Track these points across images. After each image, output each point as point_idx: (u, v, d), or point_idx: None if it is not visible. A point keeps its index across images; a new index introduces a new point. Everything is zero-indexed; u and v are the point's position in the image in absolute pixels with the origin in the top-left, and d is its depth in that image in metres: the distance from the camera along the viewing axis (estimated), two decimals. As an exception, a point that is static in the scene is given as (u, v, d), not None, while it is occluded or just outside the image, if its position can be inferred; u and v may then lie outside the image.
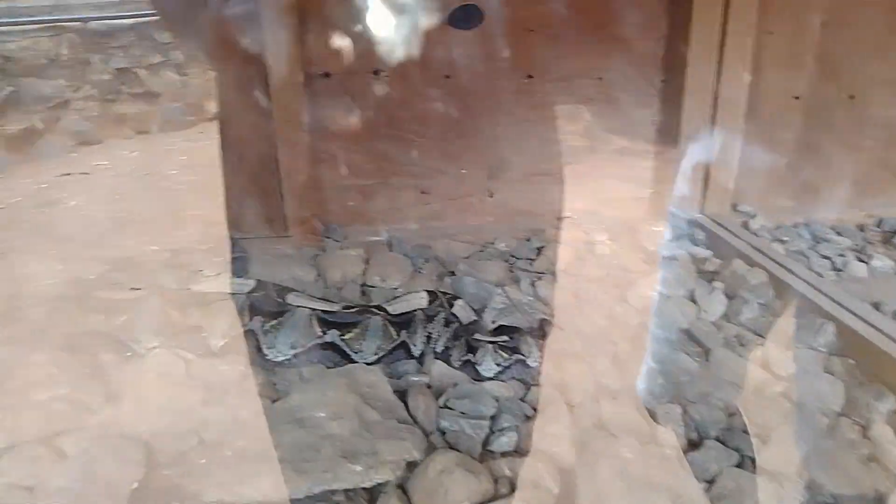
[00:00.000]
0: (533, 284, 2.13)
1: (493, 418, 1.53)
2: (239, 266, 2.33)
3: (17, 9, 4.56)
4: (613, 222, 2.59)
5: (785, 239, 2.63)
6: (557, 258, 2.37)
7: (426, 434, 1.49)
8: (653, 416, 1.55)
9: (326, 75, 2.40)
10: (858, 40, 2.56)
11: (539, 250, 2.44)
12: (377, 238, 2.55)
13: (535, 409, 1.58)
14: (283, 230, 2.53)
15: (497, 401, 1.58)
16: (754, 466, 1.43)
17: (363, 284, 2.23)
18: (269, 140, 2.38)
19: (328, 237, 2.54)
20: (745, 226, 2.65)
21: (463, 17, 2.39)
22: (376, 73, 2.42)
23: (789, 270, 2.12)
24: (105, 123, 4.80)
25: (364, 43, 2.38)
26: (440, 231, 2.58)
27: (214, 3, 2.24)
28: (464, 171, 2.60)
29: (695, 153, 2.56)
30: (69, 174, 4.05)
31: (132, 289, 2.16)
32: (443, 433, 1.50)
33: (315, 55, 2.36)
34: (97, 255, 2.48)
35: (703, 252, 2.39)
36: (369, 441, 1.40)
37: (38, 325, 1.96)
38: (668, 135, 2.59)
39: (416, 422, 1.51)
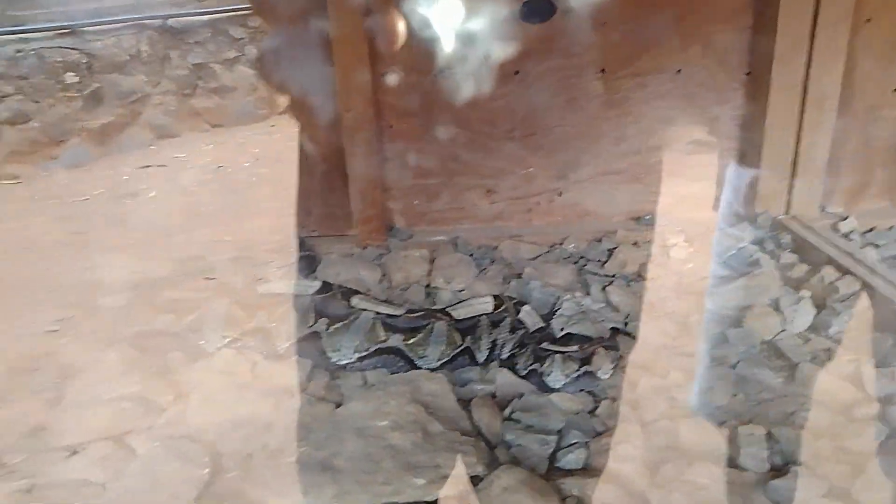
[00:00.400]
0: (604, 290, 2.04)
1: (559, 433, 1.47)
2: (305, 265, 2.34)
3: (102, 9, 4.73)
4: (690, 224, 2.46)
5: (880, 243, 2.44)
6: (629, 262, 2.27)
7: (491, 447, 1.44)
8: (733, 437, 1.45)
9: (394, 73, 2.37)
10: (968, 27, 2.34)
11: (610, 253, 2.34)
12: (442, 238, 2.50)
13: (605, 425, 1.51)
14: (348, 228, 2.53)
15: (565, 415, 1.51)
16: (844, 498, 1.31)
17: (427, 286, 2.19)
18: (338, 138, 2.38)
19: (393, 237, 2.51)
20: (835, 228, 2.47)
21: (534, 11, 2.31)
22: (444, 70, 2.37)
23: (885, 279, 1.95)
24: (182, 117, 4.95)
25: (432, 39, 2.33)
26: (506, 232, 2.51)
27: None
28: (531, 170, 2.52)
29: (779, 151, 2.40)
30: (148, 166, 4.20)
31: (206, 278, 2.21)
32: (508, 447, 1.44)
33: (383, 52, 2.32)
34: (170, 251, 2.55)
35: (788, 257, 2.23)
36: (431, 454, 1.37)
37: (111, 322, 2.02)
38: (752, 131, 2.44)
39: (480, 434, 1.46)
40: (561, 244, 2.45)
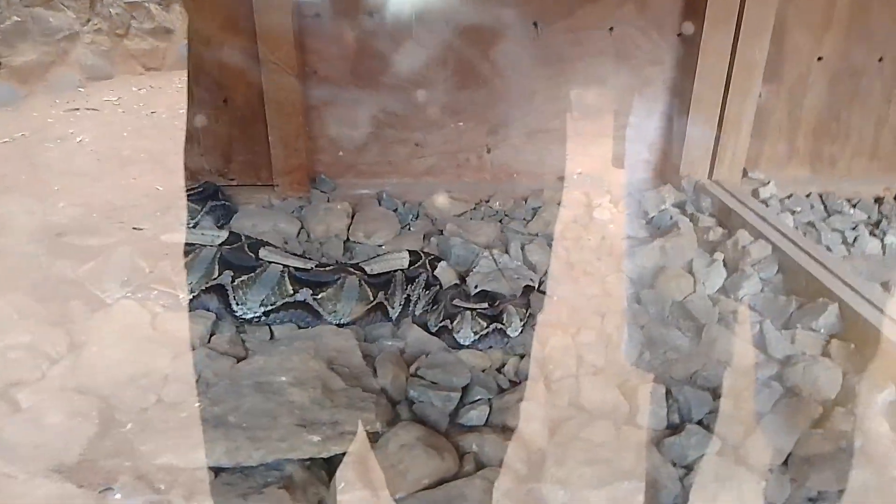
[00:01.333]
0: (522, 248, 2.02)
1: (464, 390, 1.45)
2: (220, 214, 2.25)
3: None
4: (616, 185, 2.47)
5: (796, 210, 2.51)
6: (553, 221, 2.26)
7: (393, 404, 1.41)
8: (633, 396, 1.47)
9: (317, 15, 2.26)
10: (893, -2, 2.38)
11: (535, 212, 2.33)
12: (366, 192, 2.44)
13: (511, 383, 1.50)
14: (270, 179, 2.43)
15: (471, 371, 1.50)
16: (737, 455, 1.34)
17: (346, 240, 2.14)
18: (257, 84, 2.26)
19: (316, 188, 2.44)
20: (755, 194, 2.52)
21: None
22: (371, 14, 2.28)
23: (795, 244, 2.00)
24: (115, 59, 4.68)
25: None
26: (434, 187, 2.46)
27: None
28: (461, 125, 2.47)
29: (705, 115, 2.41)
30: (77, 109, 3.96)
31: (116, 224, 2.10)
32: (410, 404, 1.42)
33: (306, -7, 2.21)
34: (88, 197, 2.41)
35: (706, 220, 2.26)
36: (330, 410, 1.33)
37: (7, 268, 1.90)
38: (680, 95, 2.44)
39: (383, 391, 1.44)
40: (487, 202, 2.42)
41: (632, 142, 2.52)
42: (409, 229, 2.22)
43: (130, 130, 3.53)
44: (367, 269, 1.76)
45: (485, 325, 1.59)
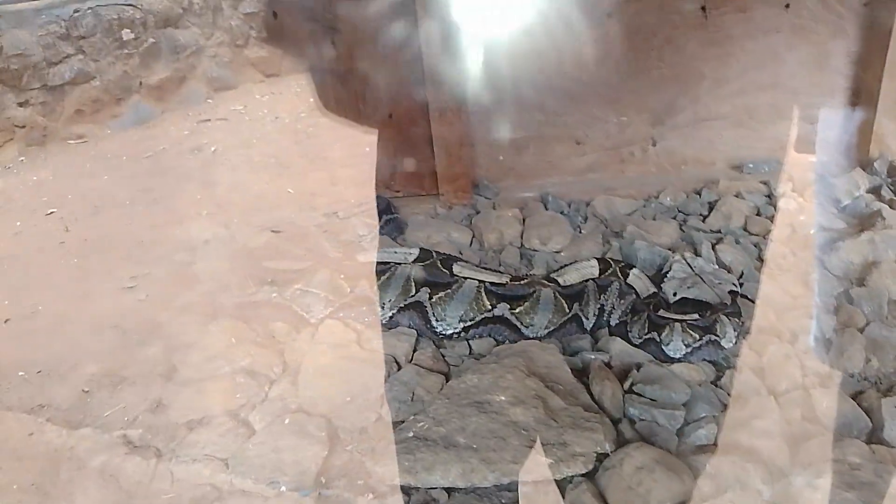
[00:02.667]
0: (714, 248, 1.93)
1: (685, 406, 1.41)
2: (394, 227, 2.30)
3: None
4: (799, 171, 2.30)
5: None
6: (734, 214, 2.14)
7: (614, 423, 1.39)
8: (874, 409, 1.36)
9: (478, 21, 2.24)
10: None
11: (711, 205, 2.22)
12: (530, 194, 2.42)
13: (731, 397, 1.44)
14: (433, 188, 2.47)
15: (689, 387, 1.44)
16: None
17: (521, 247, 2.13)
18: (419, 96, 2.29)
19: (479, 195, 2.44)
20: (958, 172, 2.27)
21: (628, -53, 2.14)
22: (526, 11, 2.24)
23: None
24: (237, 68, 4.93)
25: (517, -17, 2.20)
26: (598, 185, 2.41)
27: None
28: (624, 119, 2.39)
29: (900, 88, 2.20)
30: (208, 120, 4.21)
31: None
32: (632, 422, 1.39)
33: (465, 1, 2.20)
34: (245, 211, 2.55)
35: (910, 205, 2.07)
36: (556, 430, 1.33)
37: (209, 290, 2.03)
38: (868, 68, 2.24)
39: (601, 408, 1.41)
40: (657, 197, 2.33)
41: (813, 123, 2.34)
42: (581, 232, 2.18)
43: (258, 137, 3.70)
44: (560, 279, 1.74)
45: (697, 336, 1.53)
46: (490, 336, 1.70)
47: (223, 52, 4.96)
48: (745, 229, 2.11)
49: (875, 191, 2.18)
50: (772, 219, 2.12)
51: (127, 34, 4.39)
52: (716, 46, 2.26)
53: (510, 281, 1.72)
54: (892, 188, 2.17)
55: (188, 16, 4.71)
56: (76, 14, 4.08)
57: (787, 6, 2.20)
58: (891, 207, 2.06)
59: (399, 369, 1.61)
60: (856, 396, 1.42)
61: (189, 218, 2.60)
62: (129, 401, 1.62)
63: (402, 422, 1.47)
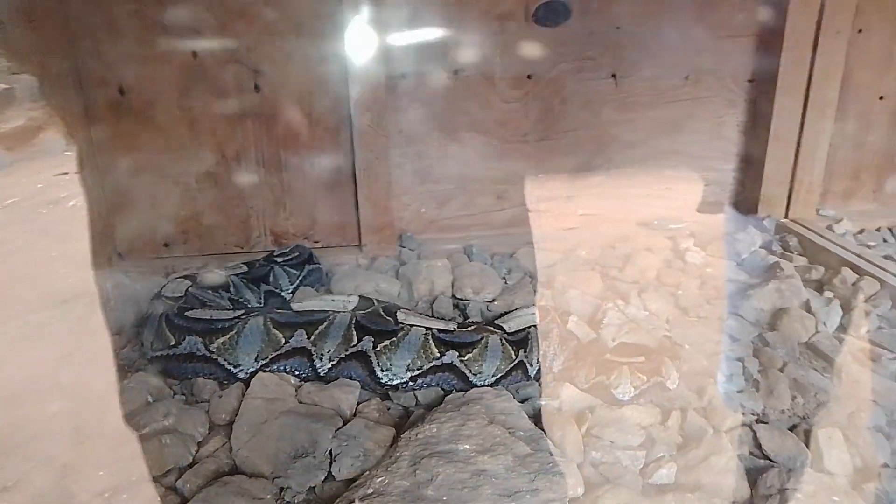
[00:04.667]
0: (640, 296, 2.02)
1: (642, 447, 1.42)
2: (316, 278, 2.21)
3: None
4: (699, 227, 2.49)
5: (871, 244, 2.55)
6: (648, 267, 2.26)
7: (578, 467, 1.37)
8: (810, 440, 1.45)
9: (403, 76, 2.28)
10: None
11: (627, 258, 2.33)
12: (453, 247, 2.43)
13: (684, 437, 1.48)
14: (355, 239, 2.41)
15: (642, 428, 1.47)
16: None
17: (453, 297, 2.11)
18: (344, 146, 2.27)
19: (402, 246, 2.42)
20: (830, 230, 2.56)
21: (548, 15, 2.28)
22: (456, 72, 2.31)
23: (903, 279, 2.03)
24: None
25: (443, 42, 2.27)
26: (518, 239, 2.46)
27: None
28: (542, 176, 2.48)
29: (781, 155, 2.47)
30: (66, 173, 3.89)
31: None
32: (594, 465, 1.39)
33: (395, 55, 2.23)
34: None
35: (798, 259, 2.29)
36: (527, 477, 1.29)
37: (70, 352, 1.81)
38: (755, 136, 2.50)
39: (563, 453, 1.40)
40: (574, 250, 2.42)
41: (710, 185, 2.56)
42: (507, 283, 2.20)
43: None
44: (505, 326, 1.73)
45: (645, 378, 1.57)
46: (438, 385, 1.64)
47: None
48: (659, 281, 2.22)
49: (766, 246, 2.39)
50: (681, 271, 2.26)
51: (-22, 78, 4.04)
52: (626, 112, 2.43)
53: (457, 328, 1.69)
54: (780, 244, 2.40)
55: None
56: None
57: (687, 78, 2.42)
58: (785, 262, 2.27)
59: (344, 424, 1.52)
60: (791, 430, 1.51)
61: (45, 275, 2.34)
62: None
63: (356, 479, 1.38)
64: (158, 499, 1.35)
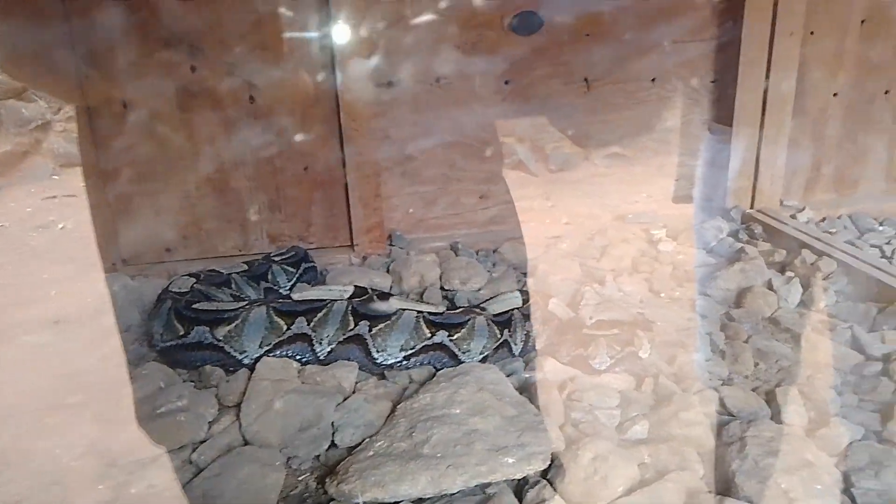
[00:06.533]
0: (615, 280, 2.17)
1: (618, 407, 1.56)
2: (311, 276, 2.34)
3: None
4: (670, 219, 2.65)
5: (832, 231, 2.72)
6: (623, 256, 2.42)
7: (560, 427, 1.51)
8: (771, 398, 1.60)
9: (390, 84, 2.43)
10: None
11: (604, 249, 2.48)
12: (440, 244, 2.57)
13: (655, 399, 1.62)
14: (347, 240, 2.55)
15: (618, 392, 1.61)
16: (879, 439, 1.48)
17: (442, 288, 2.25)
18: (335, 150, 2.41)
19: (392, 245, 2.55)
20: (794, 219, 2.73)
21: (523, 24, 2.45)
22: (438, 80, 2.46)
23: (857, 258, 2.19)
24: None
25: (426, 50, 2.42)
26: (501, 235, 2.61)
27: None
28: (522, 175, 2.64)
29: (744, 149, 2.64)
30: (55, 196, 3.95)
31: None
32: (574, 425, 1.52)
33: (381, 64, 2.38)
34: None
35: (763, 245, 2.45)
36: (515, 434, 1.43)
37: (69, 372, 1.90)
38: (720, 133, 2.67)
39: (547, 414, 1.53)
40: (555, 243, 2.57)
41: (679, 180, 2.72)
42: (493, 275, 2.34)
43: None
44: (490, 309, 1.87)
45: (619, 349, 1.71)
46: (430, 364, 1.78)
47: (72, 126, 4.78)
48: (635, 268, 2.38)
49: (734, 234, 2.56)
50: (654, 259, 2.41)
51: (-36, 105, 4.13)
52: (598, 113, 2.60)
53: (446, 310, 1.83)
54: (746, 232, 2.56)
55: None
56: None
57: (654, 80, 2.59)
58: (750, 246, 2.43)
59: (345, 400, 1.64)
60: (754, 391, 1.65)
61: (38, 297, 2.44)
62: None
63: (358, 444, 1.50)
64: (173, 470, 1.46)
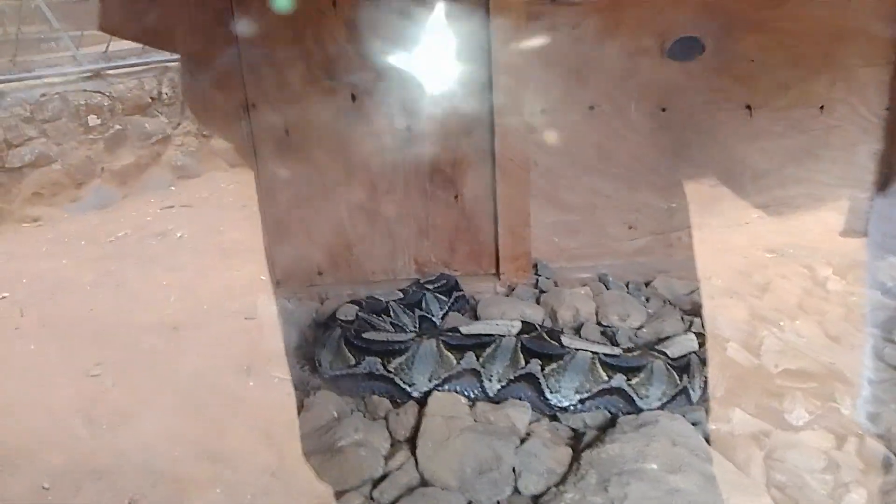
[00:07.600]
0: (795, 323, 2.03)
1: (826, 471, 1.45)
2: (462, 305, 2.32)
3: (124, 51, 4.77)
4: (834, 255, 2.47)
5: None
6: (788, 295, 2.27)
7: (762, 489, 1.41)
8: None
9: (543, 111, 2.39)
10: None
11: (764, 287, 2.34)
12: (586, 275, 2.50)
13: (863, 464, 1.49)
14: (491, 267, 2.52)
15: (824, 452, 1.49)
16: None
17: (599, 324, 2.18)
18: (485, 178, 2.39)
19: (537, 275, 2.50)
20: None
21: (682, 50, 2.35)
22: (592, 107, 2.40)
23: None
24: (202, 157, 4.94)
25: (580, 77, 2.37)
26: (649, 267, 2.51)
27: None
28: (673, 205, 2.53)
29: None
30: (172, 206, 4.12)
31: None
32: (780, 488, 1.42)
33: (534, 92, 2.34)
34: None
35: (948, 288, 2.25)
36: (718, 497, 1.34)
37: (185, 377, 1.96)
38: (891, 165, 2.48)
39: (747, 475, 1.44)
40: (709, 279, 2.45)
41: (843, 213, 2.55)
42: (649, 311, 2.25)
43: (226, 224, 3.64)
44: (668, 352, 1.78)
45: (819, 404, 1.59)
46: (604, 408, 1.71)
47: (189, 140, 5.00)
48: (800, 308, 2.23)
49: (911, 275, 2.36)
50: (824, 299, 2.25)
51: (93, 119, 4.38)
52: (757, 142, 2.46)
53: (623, 352, 1.76)
54: (926, 273, 2.36)
55: (156, 105, 4.76)
56: (43, 98, 4.06)
57: (822, 108, 2.44)
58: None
59: (522, 442, 1.60)
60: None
61: (156, 303, 2.52)
62: (96, 499, 1.49)
63: (543, 493, 1.45)
64: (362, 508, 1.46)
